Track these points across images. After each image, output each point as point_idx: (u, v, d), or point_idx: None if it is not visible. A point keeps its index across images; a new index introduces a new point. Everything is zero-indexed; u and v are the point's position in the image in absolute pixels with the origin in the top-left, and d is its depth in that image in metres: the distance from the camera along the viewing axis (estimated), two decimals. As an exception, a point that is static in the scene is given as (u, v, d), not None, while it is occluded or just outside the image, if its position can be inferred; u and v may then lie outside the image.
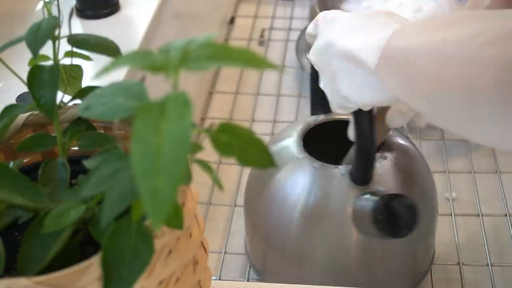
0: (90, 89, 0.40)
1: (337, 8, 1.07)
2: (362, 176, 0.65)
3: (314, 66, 0.62)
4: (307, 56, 0.64)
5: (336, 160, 0.70)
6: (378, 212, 0.60)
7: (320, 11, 1.01)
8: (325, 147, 0.71)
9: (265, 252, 0.74)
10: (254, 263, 0.77)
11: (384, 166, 0.67)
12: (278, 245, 0.71)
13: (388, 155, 0.68)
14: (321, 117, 0.74)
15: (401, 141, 0.72)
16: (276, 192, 0.70)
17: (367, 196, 0.63)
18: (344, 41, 0.56)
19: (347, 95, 0.58)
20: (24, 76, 0.39)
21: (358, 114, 0.61)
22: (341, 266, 0.69)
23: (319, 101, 0.74)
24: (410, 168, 0.70)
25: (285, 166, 0.69)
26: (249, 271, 0.77)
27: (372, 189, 0.65)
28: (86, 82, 0.44)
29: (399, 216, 0.59)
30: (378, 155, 0.68)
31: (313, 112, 0.75)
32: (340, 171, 0.66)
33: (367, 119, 0.60)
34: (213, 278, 0.74)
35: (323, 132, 0.73)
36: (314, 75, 0.72)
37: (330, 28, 0.59)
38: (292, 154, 0.70)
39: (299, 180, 0.68)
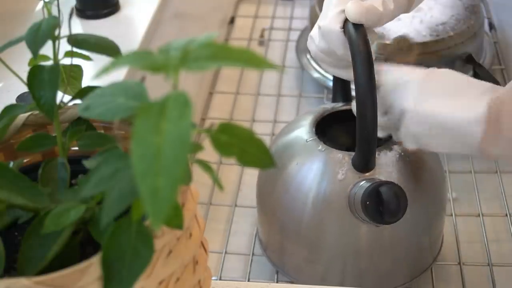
0: (90, 89, 0.40)
1: None
2: (362, 163, 0.65)
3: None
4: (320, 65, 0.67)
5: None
6: (366, 197, 0.62)
7: (320, 10, 1.01)
8: (346, 136, 0.72)
9: (281, 243, 0.74)
10: (271, 257, 0.77)
11: (388, 157, 0.67)
12: (293, 234, 0.71)
13: (396, 147, 0.68)
14: (339, 105, 0.74)
15: None
16: (289, 177, 0.70)
17: (363, 183, 0.64)
18: (434, 109, 0.59)
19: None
20: (24, 76, 0.39)
21: (362, 101, 0.61)
22: (348, 252, 0.70)
23: (340, 89, 0.75)
24: (418, 163, 0.70)
25: (298, 152, 0.70)
26: (250, 271, 0.77)
27: (370, 177, 0.65)
28: (86, 82, 0.44)
29: (385, 203, 0.60)
30: (384, 145, 0.68)
31: (334, 99, 0.76)
32: (343, 156, 0.67)
33: (371, 106, 0.60)
34: (213, 278, 0.75)
35: (343, 121, 0.73)
36: None
37: (404, 88, 0.62)
38: (302, 138, 0.71)
39: (309, 164, 0.69)
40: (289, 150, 0.72)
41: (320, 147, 0.69)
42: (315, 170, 0.68)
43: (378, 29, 0.97)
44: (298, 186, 0.69)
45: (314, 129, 0.71)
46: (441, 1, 1.01)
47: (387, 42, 0.94)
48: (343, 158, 0.67)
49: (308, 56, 1.09)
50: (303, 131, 0.71)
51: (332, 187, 0.67)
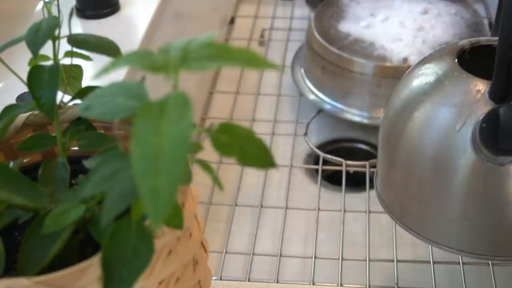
0: (90, 89, 0.40)
1: (334, 27, 1.00)
2: (499, 92, 0.55)
3: None
4: None
5: None
6: (484, 119, 0.53)
7: (317, 30, 1.00)
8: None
9: (404, 191, 0.65)
10: (388, 207, 0.67)
11: None
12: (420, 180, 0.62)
13: None
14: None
15: None
16: (424, 102, 0.61)
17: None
18: None
19: None
20: (24, 76, 0.39)
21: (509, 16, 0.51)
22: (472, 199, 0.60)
23: None
24: None
25: (436, 79, 0.61)
26: (250, 271, 0.77)
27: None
28: (86, 82, 0.44)
29: (501, 125, 0.52)
30: None
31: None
32: (481, 85, 0.57)
33: None
34: (213, 278, 0.75)
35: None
36: None
37: None
38: (441, 66, 0.62)
39: (448, 91, 0.60)
40: (425, 77, 0.63)
41: (456, 73, 0.60)
42: (452, 98, 0.59)
43: (379, 52, 0.94)
44: (433, 114, 0.60)
45: (456, 58, 0.61)
46: (442, 19, 1.00)
47: (388, 64, 0.92)
48: (481, 87, 0.58)
49: (307, 82, 1.06)
50: (443, 60, 0.62)
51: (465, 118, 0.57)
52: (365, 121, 0.97)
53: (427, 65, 0.65)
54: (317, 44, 1.00)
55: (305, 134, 0.98)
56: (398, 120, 0.64)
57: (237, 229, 0.84)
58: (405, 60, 0.93)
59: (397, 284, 0.73)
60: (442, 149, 0.59)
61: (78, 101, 0.41)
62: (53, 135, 0.43)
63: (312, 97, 1.02)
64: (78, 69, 0.45)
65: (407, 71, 0.68)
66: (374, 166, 0.77)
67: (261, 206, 0.86)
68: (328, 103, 1.00)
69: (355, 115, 0.97)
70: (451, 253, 0.62)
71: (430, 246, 0.78)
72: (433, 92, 0.61)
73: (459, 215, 0.61)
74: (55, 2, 0.42)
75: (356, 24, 1.00)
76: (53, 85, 0.39)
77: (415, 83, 0.64)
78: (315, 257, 0.77)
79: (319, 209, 0.84)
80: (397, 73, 0.90)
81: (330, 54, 0.97)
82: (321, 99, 1.01)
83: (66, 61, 0.42)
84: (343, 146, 1.03)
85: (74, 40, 0.40)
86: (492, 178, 0.58)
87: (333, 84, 0.99)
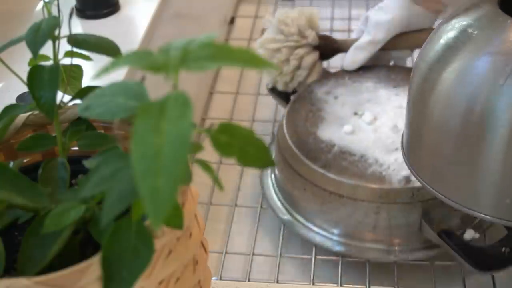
0: (90, 89, 0.40)
1: (312, 133, 0.80)
2: None
3: None
4: None
5: None
6: None
7: (291, 139, 0.79)
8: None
9: (436, 153, 0.59)
10: (417, 171, 0.62)
11: None
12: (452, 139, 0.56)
13: None
14: None
15: None
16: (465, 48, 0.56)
17: None
18: None
19: None
20: (24, 76, 0.39)
21: None
22: None
23: None
24: None
25: (477, 23, 0.56)
26: (250, 271, 0.77)
27: None
28: (86, 82, 0.44)
29: None
30: None
31: None
32: None
33: None
34: (213, 278, 0.75)
35: None
36: None
37: None
38: (482, 12, 0.57)
39: (494, 45, 0.54)
40: (463, 25, 0.57)
41: (501, 19, 0.55)
42: (497, 46, 0.54)
43: (374, 169, 0.74)
44: (473, 64, 0.55)
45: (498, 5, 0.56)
46: None
47: (387, 187, 0.73)
48: None
49: (280, 197, 0.85)
50: (482, 7, 0.57)
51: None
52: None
53: (463, 14, 0.59)
54: (293, 157, 0.79)
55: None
56: (432, 73, 0.58)
57: (237, 229, 0.84)
58: (407, 180, 0.72)
59: (397, 284, 0.73)
60: (483, 104, 0.53)
61: (78, 101, 0.41)
62: (53, 135, 0.43)
63: (288, 218, 0.82)
64: (78, 69, 0.45)
65: (441, 21, 0.61)
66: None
67: (261, 206, 0.86)
68: (308, 227, 0.80)
69: (346, 245, 0.77)
70: (488, 220, 0.57)
71: (430, 246, 0.78)
72: (474, 40, 0.55)
73: (499, 179, 0.55)
74: (55, 2, 0.42)
75: (339, 129, 0.80)
76: (53, 85, 0.39)
77: (452, 32, 0.58)
78: (315, 257, 0.78)
79: (319, 209, 0.84)
80: (399, 196, 0.72)
81: (312, 174, 0.76)
82: (301, 222, 0.80)
83: (66, 61, 0.42)
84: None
85: (74, 40, 0.40)
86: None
87: (317, 209, 0.78)
